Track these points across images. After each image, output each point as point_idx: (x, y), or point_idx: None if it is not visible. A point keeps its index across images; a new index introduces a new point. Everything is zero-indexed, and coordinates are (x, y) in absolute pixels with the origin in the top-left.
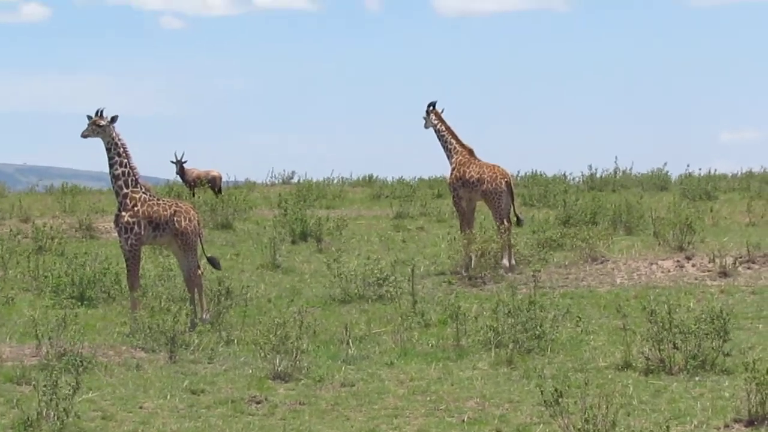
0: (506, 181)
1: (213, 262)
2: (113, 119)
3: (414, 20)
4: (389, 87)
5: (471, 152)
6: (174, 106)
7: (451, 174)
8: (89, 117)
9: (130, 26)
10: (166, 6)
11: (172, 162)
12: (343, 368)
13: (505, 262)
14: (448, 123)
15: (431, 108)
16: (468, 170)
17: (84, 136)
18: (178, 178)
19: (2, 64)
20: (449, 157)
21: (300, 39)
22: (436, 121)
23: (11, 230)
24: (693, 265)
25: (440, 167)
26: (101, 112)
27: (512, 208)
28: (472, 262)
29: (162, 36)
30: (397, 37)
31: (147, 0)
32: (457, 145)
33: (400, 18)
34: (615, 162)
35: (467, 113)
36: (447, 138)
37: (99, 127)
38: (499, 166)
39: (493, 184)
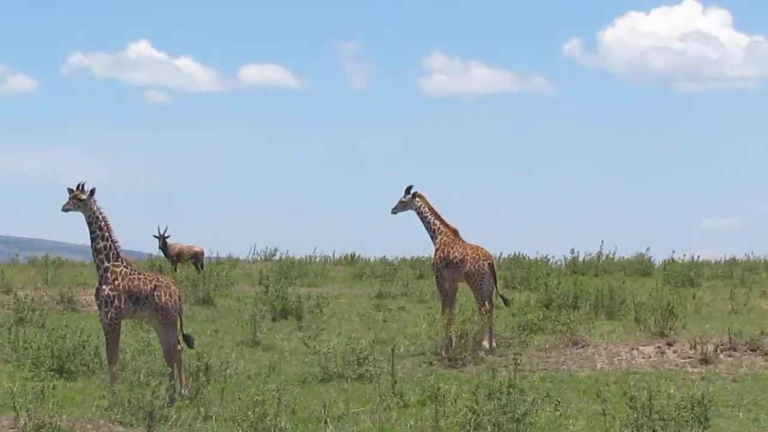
0: (489, 263)
1: (188, 340)
2: (92, 192)
3: (399, 100)
4: (373, 165)
5: (456, 233)
6: (158, 180)
7: (436, 254)
8: (70, 190)
9: (117, 99)
10: (153, 80)
11: (155, 236)
12: None
13: (486, 344)
14: (431, 204)
15: (410, 191)
16: (452, 251)
17: (65, 209)
18: (161, 253)
19: None
20: (433, 237)
21: (285, 116)
22: (419, 203)
23: None
24: (674, 352)
25: (422, 247)
26: (82, 185)
27: (496, 290)
28: (453, 343)
29: (148, 110)
30: (382, 115)
31: (134, 74)
32: (441, 226)
33: (386, 97)
34: (600, 246)
35: (451, 193)
36: (431, 219)
37: (80, 200)
38: (482, 248)
39: (476, 265)
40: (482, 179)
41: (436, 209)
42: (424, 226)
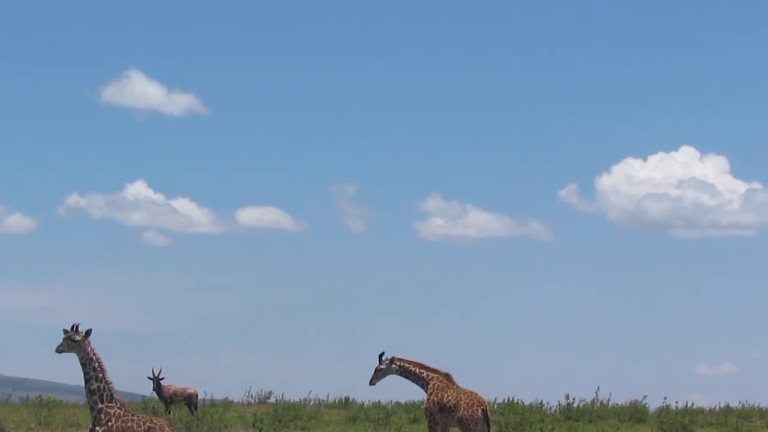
0: (483, 409)
1: None
2: (87, 333)
3: (396, 243)
4: (370, 308)
5: (448, 376)
6: (153, 321)
7: (428, 398)
8: (65, 331)
9: (113, 241)
10: (150, 222)
11: (149, 378)
12: None
13: None
14: (411, 360)
15: (382, 357)
16: (446, 395)
17: (59, 351)
18: (155, 394)
19: None
20: (424, 386)
21: (282, 258)
22: (396, 367)
23: None
24: None
25: (416, 392)
26: (76, 327)
27: None
28: None
29: (144, 251)
30: (379, 258)
31: (132, 216)
32: (430, 373)
33: (383, 239)
34: (596, 392)
35: (445, 336)
36: (416, 372)
37: (74, 342)
38: (476, 393)
39: (470, 410)
40: (477, 322)
41: (418, 361)
42: (412, 381)
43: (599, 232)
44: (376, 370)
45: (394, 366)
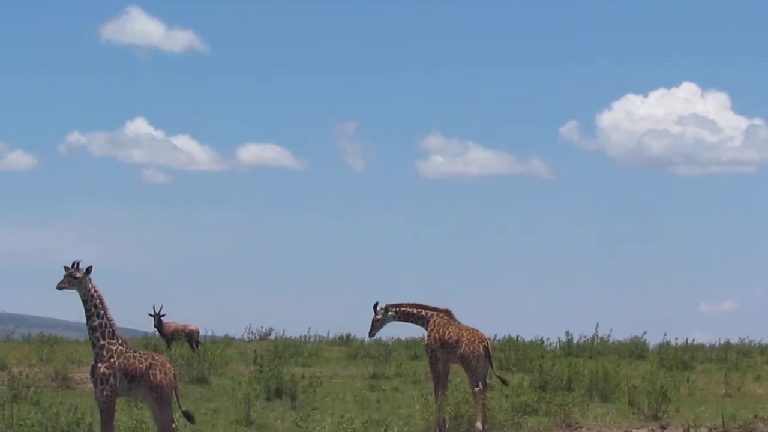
0: (484, 346)
1: (187, 416)
2: (88, 270)
3: (397, 181)
4: (370, 246)
5: (449, 313)
6: (154, 258)
7: (430, 335)
8: (66, 268)
9: (114, 178)
10: (151, 159)
11: (150, 315)
12: None
13: (479, 425)
14: (407, 302)
15: (377, 307)
16: (447, 331)
17: (60, 287)
18: (156, 331)
19: None
20: (425, 324)
21: (283, 196)
22: (393, 311)
23: None
24: None
25: (417, 329)
26: (77, 264)
27: (492, 372)
28: (446, 424)
29: (145, 189)
30: (380, 196)
31: (132, 153)
32: (429, 311)
33: (384, 178)
34: (596, 329)
35: (447, 274)
36: (414, 312)
37: (75, 279)
38: (477, 330)
39: (471, 347)
40: (478, 260)
41: (415, 302)
42: (412, 322)
43: (600, 169)
44: (372, 321)
45: (390, 313)
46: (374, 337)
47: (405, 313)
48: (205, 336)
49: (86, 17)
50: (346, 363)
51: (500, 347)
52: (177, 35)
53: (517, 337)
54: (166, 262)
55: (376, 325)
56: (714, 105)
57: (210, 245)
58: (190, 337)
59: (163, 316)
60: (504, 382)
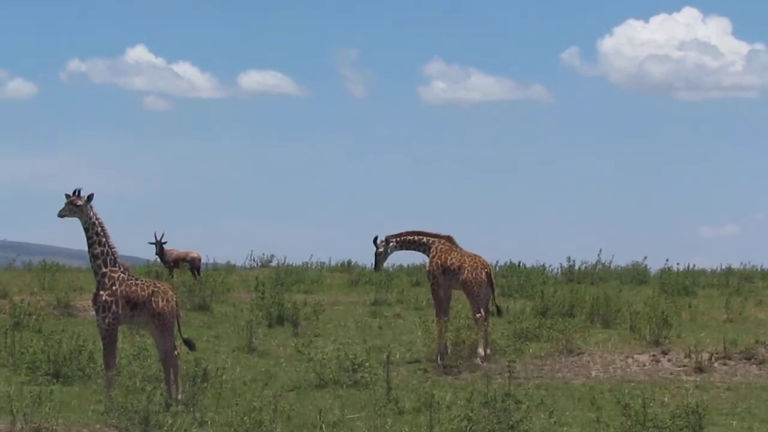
0: (486, 272)
1: (189, 344)
2: (89, 198)
3: (399, 108)
4: (371, 173)
5: (450, 239)
6: (155, 186)
7: (432, 261)
8: (67, 196)
9: (115, 105)
10: (152, 86)
11: (151, 243)
12: None
13: (481, 351)
14: (407, 231)
15: (377, 240)
16: (449, 257)
17: (61, 215)
18: (158, 259)
19: None
20: (426, 251)
21: (284, 123)
22: (394, 242)
23: None
24: (669, 360)
25: (418, 255)
26: (78, 191)
27: (492, 299)
28: (448, 350)
29: (146, 116)
30: (381, 123)
31: (133, 80)
32: (430, 237)
33: (385, 104)
34: (598, 255)
35: (448, 200)
36: (415, 240)
37: (76, 206)
38: (480, 257)
39: (474, 273)
40: (480, 187)
41: (415, 230)
42: (414, 250)
43: (601, 94)
44: (375, 255)
45: (391, 244)
46: (381, 270)
47: (406, 241)
48: (206, 263)
49: None
50: (347, 290)
51: (502, 273)
52: None
53: (519, 263)
54: (167, 189)
55: (380, 258)
56: (715, 30)
57: (211, 172)
58: (192, 264)
59: (165, 243)
60: (499, 311)
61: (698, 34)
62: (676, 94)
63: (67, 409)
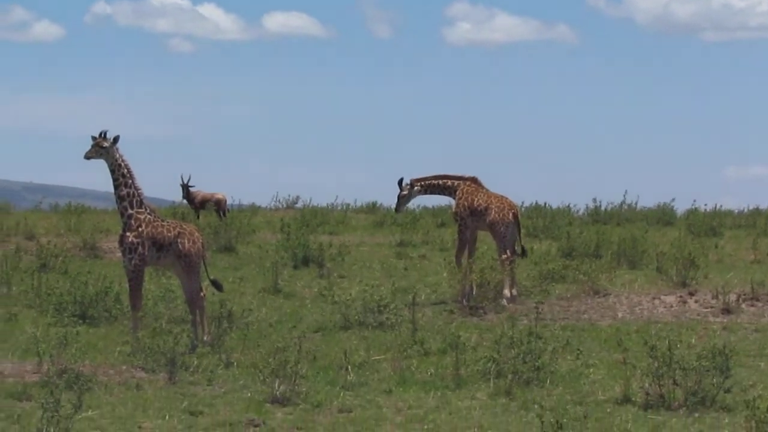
0: (513, 213)
1: (216, 285)
2: (115, 140)
3: (423, 48)
4: (396, 114)
5: (475, 180)
6: (181, 128)
7: (458, 203)
8: (93, 138)
9: (140, 48)
10: (177, 29)
11: (181, 185)
12: (341, 394)
13: (507, 292)
14: (431, 175)
15: (402, 182)
16: (476, 199)
17: (87, 157)
18: (184, 201)
19: (11, 82)
20: (452, 193)
21: (309, 64)
22: (419, 186)
23: (16, 247)
24: (696, 301)
25: (444, 199)
26: (104, 133)
27: (518, 240)
28: (473, 291)
29: (171, 58)
30: (406, 63)
31: (158, 22)
32: (455, 180)
33: (410, 45)
34: (624, 195)
35: (473, 143)
36: (440, 183)
37: (102, 148)
38: (506, 197)
39: (501, 214)
40: (504, 128)
41: (439, 174)
42: (439, 194)
43: (627, 35)
44: (398, 197)
45: (416, 188)
46: (401, 212)
47: (431, 185)
48: (232, 205)
49: None
50: (373, 231)
51: (527, 214)
52: None
53: (545, 204)
54: (192, 131)
55: (402, 201)
56: None
57: (236, 114)
58: (218, 206)
59: (192, 187)
60: (524, 252)
61: None
62: (703, 34)
63: (93, 350)
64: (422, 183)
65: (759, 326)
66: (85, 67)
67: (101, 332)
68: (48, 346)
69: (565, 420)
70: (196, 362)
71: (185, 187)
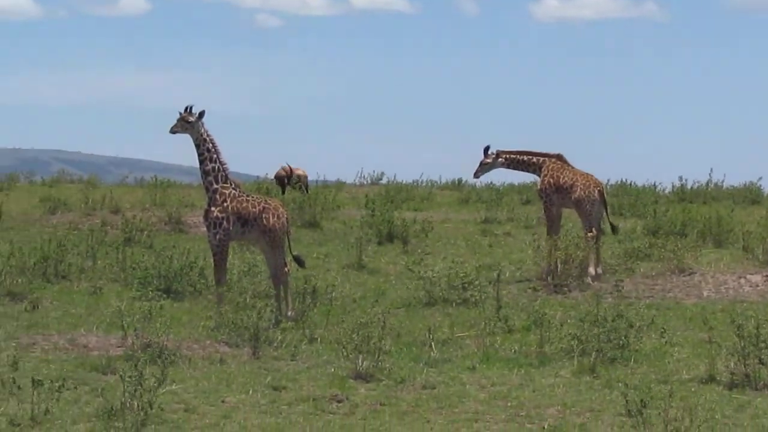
0: (599, 190)
1: (299, 261)
2: (201, 115)
3: (510, 25)
4: (483, 91)
5: (560, 157)
6: (266, 103)
7: (544, 180)
8: (179, 113)
9: (227, 23)
10: (264, 4)
11: (283, 169)
12: (424, 371)
13: (592, 270)
14: (515, 149)
15: (488, 151)
16: (562, 176)
17: (173, 131)
18: (274, 179)
19: (100, 56)
20: (537, 171)
21: (396, 40)
22: (504, 158)
23: (101, 221)
24: None
25: (528, 176)
26: (190, 108)
27: (606, 217)
28: (558, 269)
29: (258, 34)
30: (493, 40)
31: None
32: (540, 157)
33: (497, 22)
34: (710, 174)
35: (558, 119)
36: (525, 159)
37: (187, 123)
38: (592, 175)
39: (586, 191)
40: (591, 105)
41: (524, 150)
42: (522, 170)
43: (715, 12)
44: (481, 163)
45: (500, 160)
46: (477, 178)
47: (516, 161)
48: (316, 180)
49: None
50: (457, 207)
51: (613, 192)
52: None
53: (630, 182)
54: (278, 106)
55: (483, 168)
56: None
57: (322, 90)
58: (299, 181)
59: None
60: (614, 229)
61: None
62: None
63: (177, 324)
64: (507, 156)
65: None
66: (171, 42)
67: (185, 306)
68: (132, 320)
69: (649, 399)
70: (279, 337)
71: (289, 173)
